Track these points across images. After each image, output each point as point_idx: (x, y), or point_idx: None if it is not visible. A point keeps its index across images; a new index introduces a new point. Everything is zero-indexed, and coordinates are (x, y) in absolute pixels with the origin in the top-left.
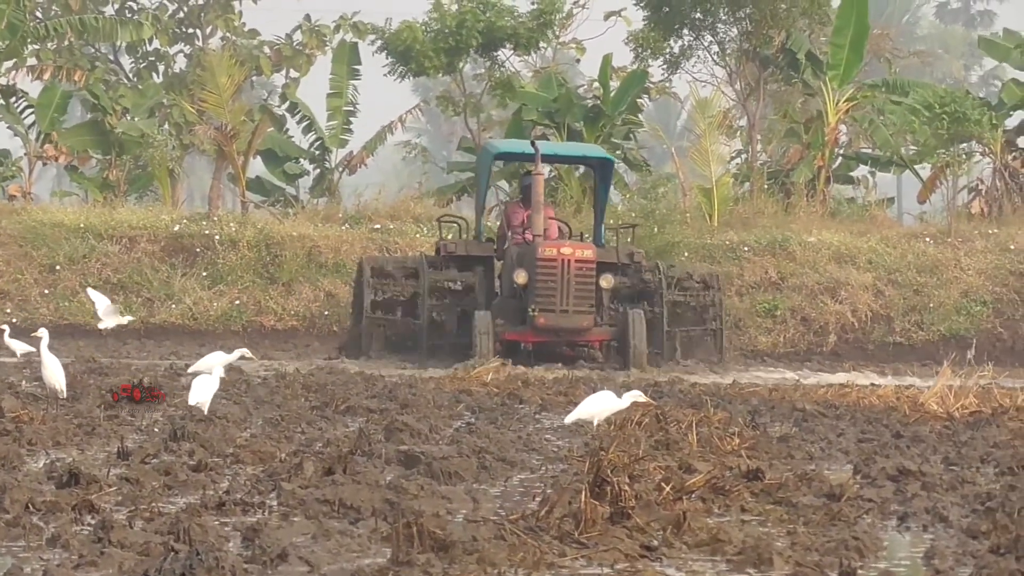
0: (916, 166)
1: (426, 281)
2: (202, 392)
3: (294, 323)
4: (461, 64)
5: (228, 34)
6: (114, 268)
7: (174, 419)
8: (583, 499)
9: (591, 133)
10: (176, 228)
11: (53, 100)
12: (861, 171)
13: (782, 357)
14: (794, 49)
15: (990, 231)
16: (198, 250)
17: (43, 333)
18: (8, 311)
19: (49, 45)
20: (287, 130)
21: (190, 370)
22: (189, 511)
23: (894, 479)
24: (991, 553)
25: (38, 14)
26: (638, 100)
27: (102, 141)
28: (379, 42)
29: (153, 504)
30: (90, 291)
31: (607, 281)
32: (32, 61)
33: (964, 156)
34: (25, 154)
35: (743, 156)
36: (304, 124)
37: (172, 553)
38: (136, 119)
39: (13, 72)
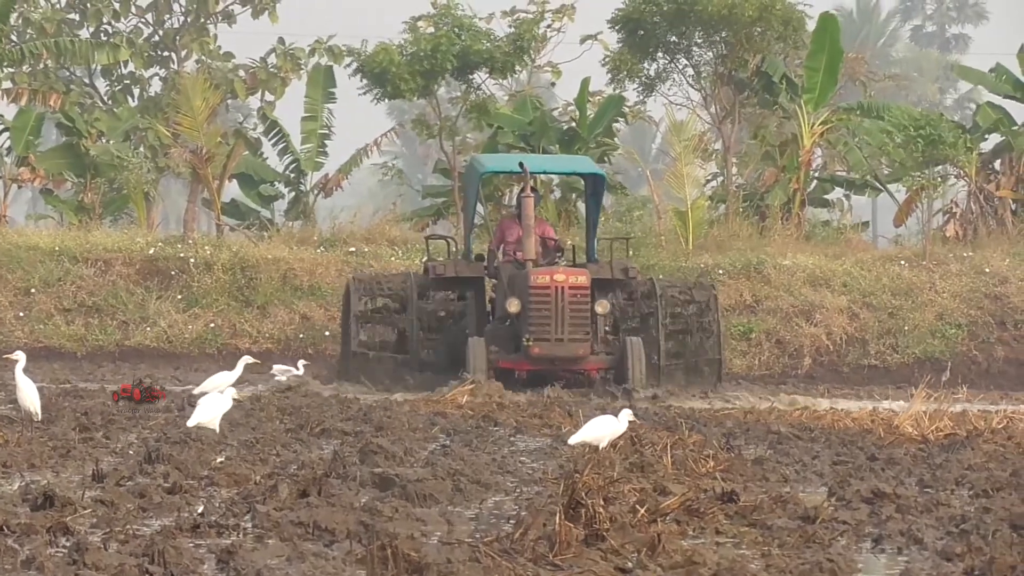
0: (891, 187)
1: (414, 312)
2: (210, 411)
3: (269, 346)
4: (436, 87)
5: (203, 57)
6: (89, 291)
7: (148, 442)
8: (558, 521)
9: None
10: (151, 251)
11: (28, 123)
12: (836, 194)
13: (757, 380)
14: (769, 72)
15: (965, 254)
16: (173, 273)
17: (19, 356)
18: None
19: (24, 68)
20: (262, 153)
21: (196, 391)
22: (164, 533)
23: (869, 501)
24: (966, 575)
25: (13, 37)
26: (614, 124)
27: (77, 164)
28: (354, 65)
29: (128, 526)
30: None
31: (602, 307)
32: (7, 84)
33: (939, 179)
34: (0, 177)
35: (718, 179)
36: (279, 147)
37: (147, 575)
38: (111, 142)
39: None
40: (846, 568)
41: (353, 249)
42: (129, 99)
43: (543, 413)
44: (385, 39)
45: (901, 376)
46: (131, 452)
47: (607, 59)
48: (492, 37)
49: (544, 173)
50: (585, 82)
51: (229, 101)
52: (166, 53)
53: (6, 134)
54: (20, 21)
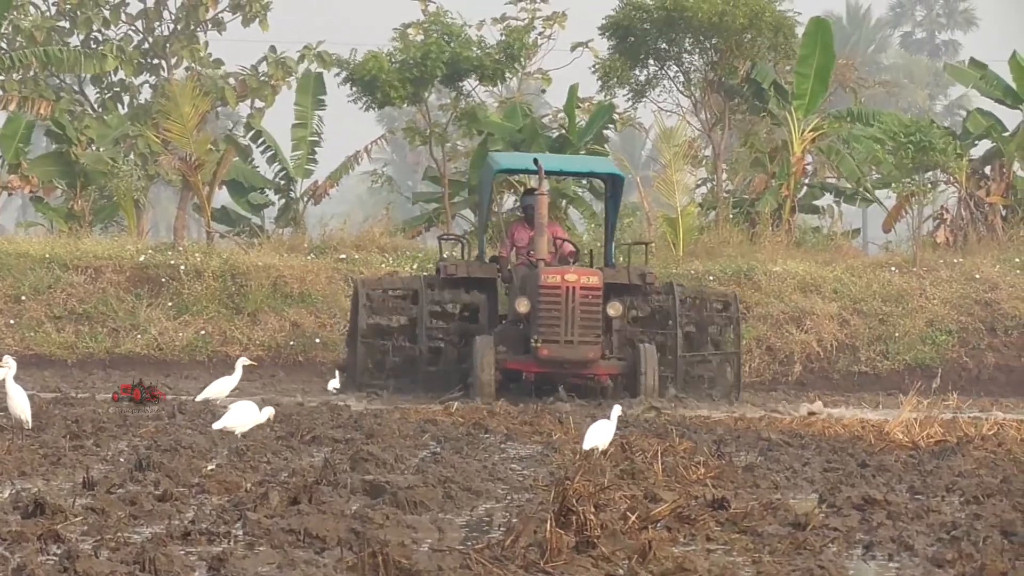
0: (880, 193)
1: (424, 307)
2: (240, 419)
3: (260, 353)
4: (426, 94)
5: (193, 64)
6: (79, 298)
7: (139, 449)
8: (548, 528)
9: None
10: (141, 258)
11: (18, 130)
12: (826, 200)
13: (747, 387)
14: (759, 79)
15: (955, 260)
16: (163, 280)
17: (10, 363)
18: None
19: (14, 76)
20: (252, 160)
21: (199, 398)
22: (155, 541)
23: (860, 508)
24: None
25: (3, 45)
26: (604, 131)
27: (67, 172)
28: (344, 72)
29: (119, 534)
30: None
31: (615, 309)
32: None
33: (929, 185)
34: None
35: (708, 185)
36: (269, 154)
37: None
38: (101, 149)
39: None
40: (837, 575)
41: (343, 256)
42: (119, 106)
43: (534, 420)
44: (375, 47)
45: (892, 383)
46: (122, 459)
47: (597, 66)
48: (483, 44)
49: (560, 173)
50: (573, 88)
51: (219, 108)
52: (156, 60)
53: None
54: (10, 29)
